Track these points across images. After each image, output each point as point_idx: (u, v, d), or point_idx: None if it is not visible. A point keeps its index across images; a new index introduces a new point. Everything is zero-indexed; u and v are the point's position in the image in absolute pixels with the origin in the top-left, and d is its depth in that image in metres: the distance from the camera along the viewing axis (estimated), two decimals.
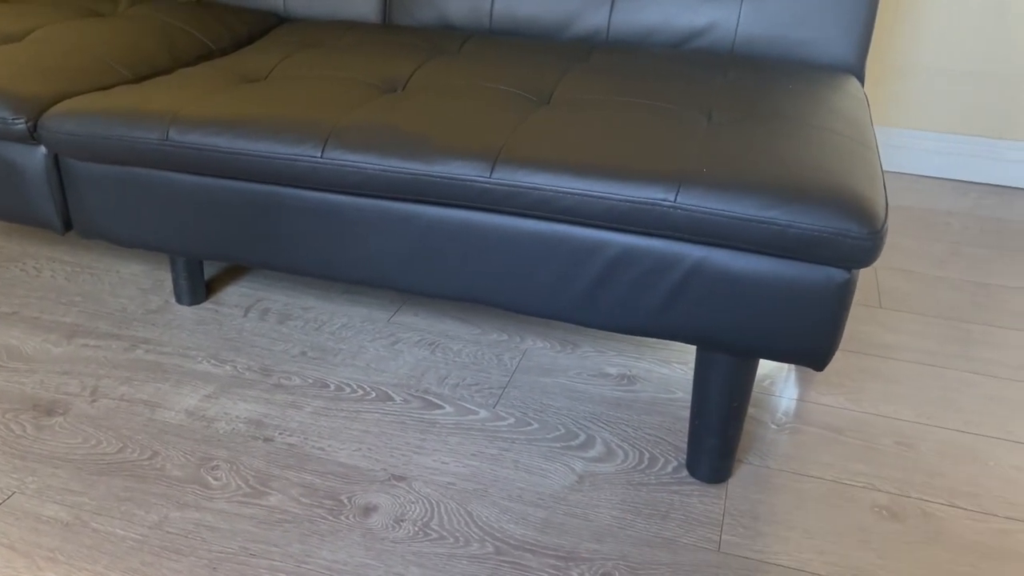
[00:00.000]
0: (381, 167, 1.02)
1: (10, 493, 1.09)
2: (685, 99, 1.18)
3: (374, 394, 1.31)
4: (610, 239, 0.99)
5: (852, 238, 0.88)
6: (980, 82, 2.18)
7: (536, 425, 1.26)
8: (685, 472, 1.17)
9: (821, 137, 1.05)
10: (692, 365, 1.42)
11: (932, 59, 2.19)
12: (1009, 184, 2.27)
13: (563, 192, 0.96)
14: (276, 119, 1.09)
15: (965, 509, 1.12)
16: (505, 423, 1.26)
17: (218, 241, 1.17)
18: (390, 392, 1.32)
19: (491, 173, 0.98)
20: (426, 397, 1.31)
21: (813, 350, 0.95)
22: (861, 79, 1.44)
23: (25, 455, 1.16)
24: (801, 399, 1.34)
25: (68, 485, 1.11)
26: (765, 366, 1.43)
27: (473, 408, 1.29)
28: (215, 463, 1.16)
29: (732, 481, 1.16)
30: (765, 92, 1.21)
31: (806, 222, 0.89)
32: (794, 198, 0.90)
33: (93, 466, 1.14)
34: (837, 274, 0.91)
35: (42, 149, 1.20)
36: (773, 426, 1.28)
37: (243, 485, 1.12)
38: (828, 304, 0.92)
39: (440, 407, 1.29)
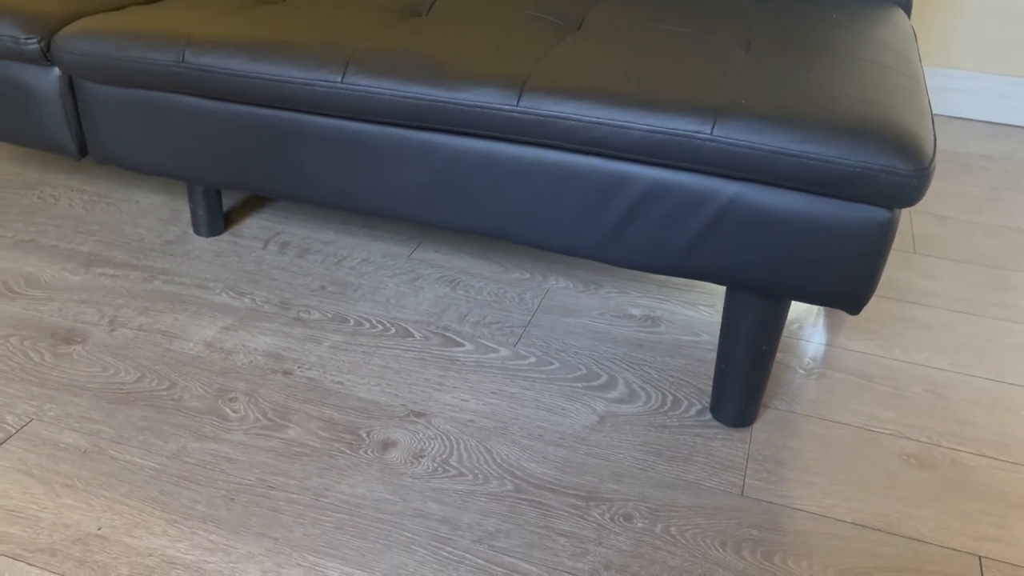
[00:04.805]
0: (403, 93, 0.98)
1: (28, 420, 1.09)
2: (722, 28, 1.12)
3: (394, 330, 1.29)
4: (640, 173, 0.95)
5: (897, 175, 0.83)
6: None
7: (557, 365, 1.24)
8: (709, 415, 1.15)
9: (866, 69, 0.99)
10: (718, 307, 1.39)
11: None
12: None
13: (593, 122, 0.91)
14: (295, 42, 1.04)
15: (995, 459, 1.10)
16: (526, 362, 1.24)
17: (234, 169, 1.14)
18: (410, 328, 1.30)
19: (518, 101, 0.94)
20: (446, 334, 1.29)
21: (850, 293, 0.92)
22: (908, 11, 1.37)
23: (43, 383, 1.15)
24: (830, 344, 1.31)
25: (87, 413, 1.10)
26: (794, 309, 1.40)
27: (494, 346, 1.27)
28: (233, 395, 1.15)
29: (757, 425, 1.14)
30: (807, 22, 1.15)
31: (849, 157, 0.84)
32: (837, 132, 0.85)
33: (111, 395, 1.14)
34: (879, 213, 0.87)
35: (56, 71, 1.17)
36: (800, 371, 1.25)
37: (261, 418, 1.11)
38: (868, 245, 0.88)
39: (460, 344, 1.27)
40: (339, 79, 1.00)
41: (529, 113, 0.94)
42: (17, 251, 1.44)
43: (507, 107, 0.94)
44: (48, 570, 0.89)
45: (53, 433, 1.07)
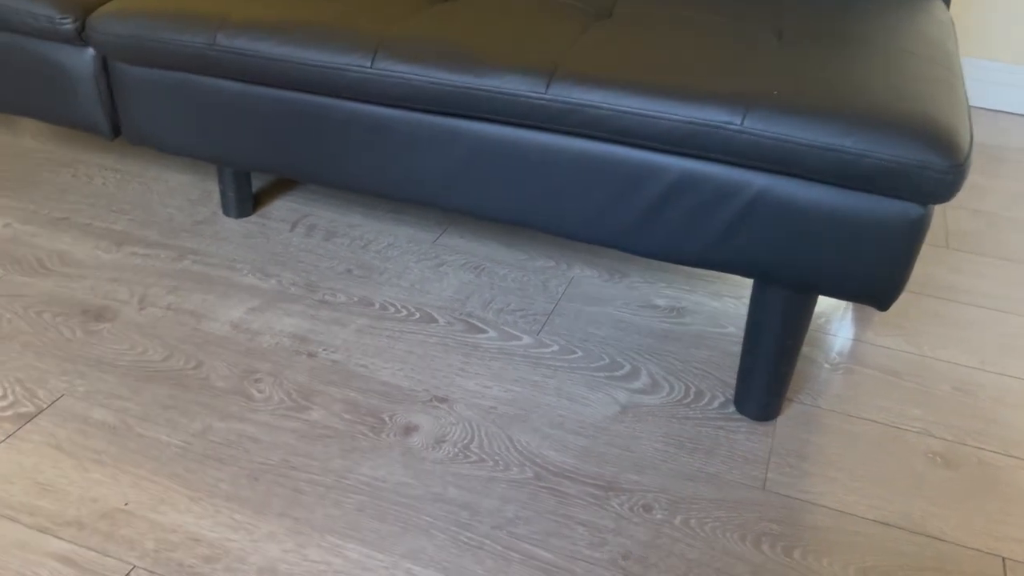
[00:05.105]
0: (432, 80, 0.98)
1: (59, 395, 1.11)
2: (755, 16, 1.10)
3: (418, 315, 1.30)
4: (669, 163, 0.94)
5: (932, 170, 0.82)
6: None
7: (580, 354, 1.23)
8: (732, 408, 1.15)
9: (902, 61, 0.98)
10: (745, 299, 1.38)
11: None
12: None
13: (622, 111, 0.91)
14: (325, 26, 1.05)
15: (1022, 459, 1.08)
16: (548, 350, 1.24)
17: (264, 152, 1.14)
18: (434, 314, 1.30)
19: (546, 89, 0.94)
20: (470, 320, 1.29)
21: (879, 289, 0.91)
22: (947, 1, 1.34)
23: (75, 359, 1.17)
24: (857, 339, 1.29)
25: (115, 390, 1.12)
26: (822, 303, 1.39)
27: (517, 334, 1.27)
28: (258, 376, 1.16)
29: (780, 419, 1.13)
30: (842, 11, 1.13)
31: (882, 152, 0.83)
32: (870, 125, 0.84)
33: (140, 373, 1.15)
34: (912, 209, 0.86)
35: (90, 51, 1.18)
36: (826, 365, 1.24)
37: (286, 399, 1.12)
38: (900, 241, 0.87)
39: (483, 331, 1.27)
40: (368, 64, 1.00)
41: (557, 101, 0.93)
42: (51, 228, 1.47)
43: (535, 95, 0.94)
44: (75, 543, 0.91)
45: (83, 409, 1.09)
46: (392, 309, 1.31)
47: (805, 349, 1.27)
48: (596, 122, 0.92)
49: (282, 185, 1.65)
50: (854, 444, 1.10)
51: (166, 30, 1.09)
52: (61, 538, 0.91)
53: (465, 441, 1.07)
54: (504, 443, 1.07)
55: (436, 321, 1.29)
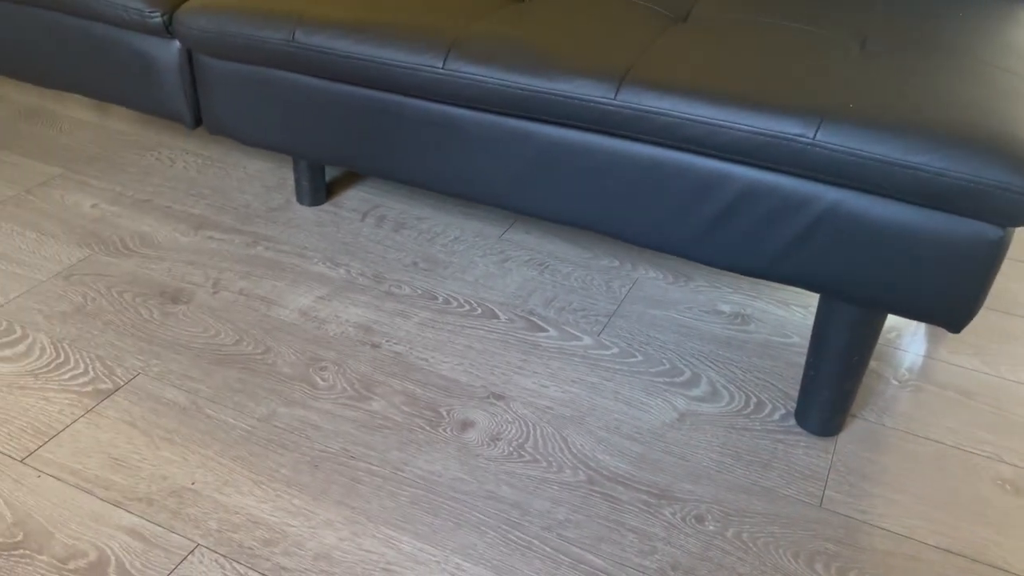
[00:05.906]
0: (502, 82, 0.98)
1: (135, 374, 1.16)
2: (837, 23, 1.08)
3: (480, 310, 1.31)
4: (737, 173, 0.93)
5: (1012, 192, 0.79)
6: None
7: (640, 357, 1.23)
8: (793, 421, 1.13)
9: (988, 74, 0.94)
10: (812, 308, 1.35)
11: None
12: None
13: (692, 119, 0.90)
14: (400, 26, 1.06)
15: None
16: (608, 352, 1.24)
17: (337, 146, 1.17)
18: (496, 310, 1.31)
19: (616, 94, 0.93)
20: (531, 318, 1.30)
21: (951, 311, 0.88)
22: None
23: (151, 339, 1.22)
24: (929, 356, 1.26)
25: (187, 371, 1.17)
26: (893, 316, 1.35)
27: (577, 334, 1.27)
28: (323, 364, 1.19)
29: (842, 436, 1.11)
30: (928, 19, 1.10)
31: (960, 171, 0.80)
32: (950, 142, 0.81)
33: (211, 355, 1.20)
34: (990, 231, 0.83)
35: (176, 44, 1.22)
36: (895, 382, 1.20)
37: (348, 388, 1.15)
38: (975, 263, 0.84)
39: (544, 330, 1.28)
40: (440, 65, 1.01)
41: (626, 107, 0.93)
42: (135, 210, 1.53)
43: (604, 100, 0.94)
44: (145, 518, 0.95)
45: (156, 388, 1.14)
46: (455, 303, 1.33)
47: (873, 363, 1.24)
48: (664, 130, 0.91)
49: (355, 175, 1.69)
50: (919, 465, 1.07)
51: (247, 26, 1.12)
52: (132, 512, 0.96)
53: (520, 440, 1.08)
54: (559, 444, 1.07)
55: (497, 317, 1.30)
